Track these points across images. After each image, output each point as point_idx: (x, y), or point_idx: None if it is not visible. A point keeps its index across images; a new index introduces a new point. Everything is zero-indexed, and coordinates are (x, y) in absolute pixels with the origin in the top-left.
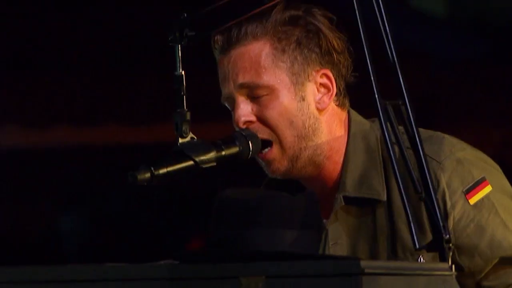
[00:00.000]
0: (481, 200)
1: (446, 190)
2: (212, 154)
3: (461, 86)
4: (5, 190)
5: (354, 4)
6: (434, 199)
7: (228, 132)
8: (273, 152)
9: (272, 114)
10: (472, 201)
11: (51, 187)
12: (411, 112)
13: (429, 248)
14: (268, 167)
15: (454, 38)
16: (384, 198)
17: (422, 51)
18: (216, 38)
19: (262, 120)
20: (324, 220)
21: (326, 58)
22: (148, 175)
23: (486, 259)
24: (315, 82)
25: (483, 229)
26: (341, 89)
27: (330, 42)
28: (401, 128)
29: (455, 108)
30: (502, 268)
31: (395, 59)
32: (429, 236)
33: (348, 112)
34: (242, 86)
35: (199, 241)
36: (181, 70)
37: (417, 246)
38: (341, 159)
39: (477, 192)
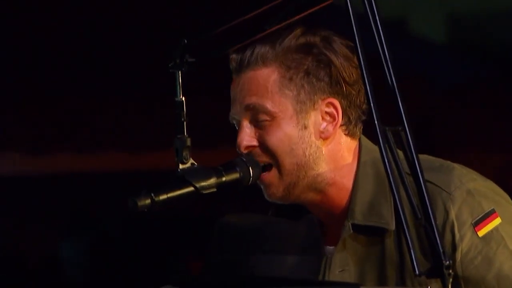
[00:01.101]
0: (490, 232)
1: (455, 222)
2: (212, 180)
3: (461, 111)
4: (6, 216)
5: (353, 29)
6: (434, 225)
7: (229, 158)
8: (271, 176)
9: (272, 140)
10: (481, 233)
11: (51, 214)
12: (411, 138)
13: (430, 274)
14: (265, 190)
15: (454, 64)
16: (393, 227)
17: (422, 76)
18: (231, 57)
19: (262, 145)
20: (332, 247)
21: (336, 88)
22: (148, 201)
23: None
24: (320, 111)
25: (490, 262)
26: (351, 119)
27: (340, 74)
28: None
29: (455, 133)
30: None
31: (395, 84)
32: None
33: (360, 140)
34: (247, 108)
35: (198, 266)
36: (181, 96)
37: (417, 272)
38: (349, 185)
39: (486, 224)
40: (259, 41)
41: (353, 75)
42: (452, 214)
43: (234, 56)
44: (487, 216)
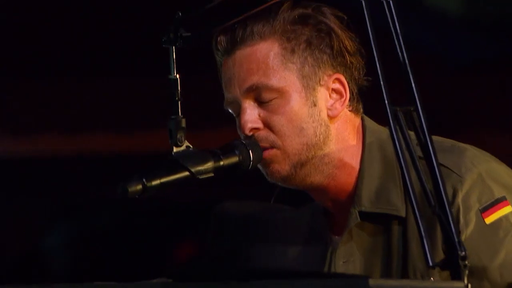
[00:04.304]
0: (499, 220)
1: (460, 206)
2: (209, 164)
3: (475, 90)
4: None
5: (362, 3)
6: (449, 213)
7: (227, 141)
8: (275, 153)
9: (281, 120)
10: (488, 220)
11: (38, 198)
12: (424, 119)
13: (444, 266)
14: (267, 168)
15: (469, 40)
16: (404, 214)
17: (436, 53)
18: (218, 38)
19: (269, 126)
20: (338, 237)
21: (338, 60)
22: (139, 187)
23: (495, 283)
24: (327, 88)
25: (496, 251)
26: (354, 94)
27: (342, 43)
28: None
29: (470, 112)
30: None
31: (406, 62)
32: (441, 255)
33: (362, 119)
34: (250, 89)
35: (191, 251)
36: (175, 74)
37: (431, 263)
38: (355, 170)
39: (495, 211)
40: (249, 19)
41: (352, 46)
42: (459, 198)
43: (222, 37)
44: (497, 203)
